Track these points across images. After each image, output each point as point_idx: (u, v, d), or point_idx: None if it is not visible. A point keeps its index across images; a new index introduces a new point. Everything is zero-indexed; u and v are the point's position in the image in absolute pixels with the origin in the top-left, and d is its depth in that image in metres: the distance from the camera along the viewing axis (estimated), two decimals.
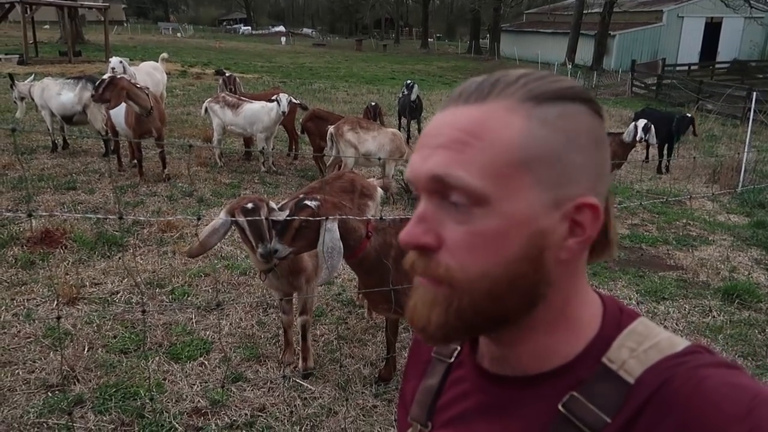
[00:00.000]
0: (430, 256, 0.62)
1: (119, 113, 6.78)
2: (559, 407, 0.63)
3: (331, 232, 2.73)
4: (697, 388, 0.57)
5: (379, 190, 3.88)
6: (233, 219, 2.91)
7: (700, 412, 0.55)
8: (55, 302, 3.97)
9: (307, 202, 2.81)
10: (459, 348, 0.78)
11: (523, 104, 0.60)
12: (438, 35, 62.43)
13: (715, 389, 0.56)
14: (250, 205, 2.91)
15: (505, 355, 0.68)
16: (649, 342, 0.63)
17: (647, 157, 10.28)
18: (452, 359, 0.78)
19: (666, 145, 9.58)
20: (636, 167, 9.57)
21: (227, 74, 10.33)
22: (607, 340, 0.65)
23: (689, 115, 9.37)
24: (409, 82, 10.81)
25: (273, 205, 3.04)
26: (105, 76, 6.37)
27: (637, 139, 7.35)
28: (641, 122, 7.45)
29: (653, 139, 7.61)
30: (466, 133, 0.60)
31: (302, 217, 2.74)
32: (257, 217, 2.86)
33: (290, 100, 7.25)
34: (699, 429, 0.55)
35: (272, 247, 2.77)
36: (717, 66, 27.99)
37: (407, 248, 0.64)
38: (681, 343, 0.63)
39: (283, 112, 7.18)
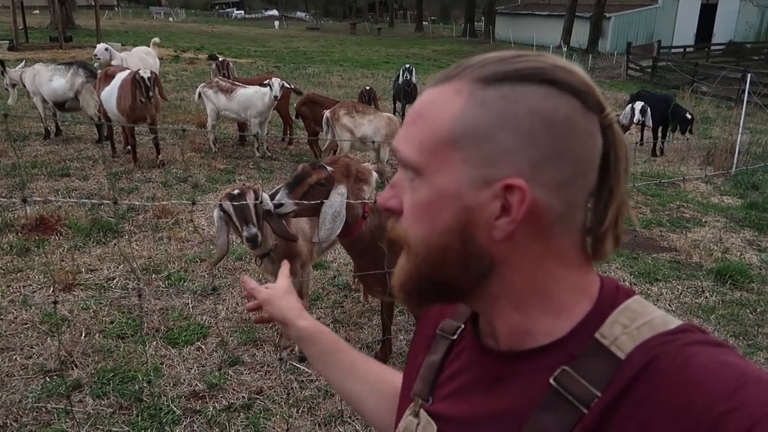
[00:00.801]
0: (399, 219, 0.68)
1: (111, 99, 6.74)
2: (551, 381, 0.64)
3: (342, 197, 2.75)
4: (685, 366, 0.58)
5: (375, 175, 3.88)
6: (221, 204, 2.92)
7: (687, 389, 0.56)
8: (51, 288, 3.98)
9: (325, 165, 2.81)
10: (462, 326, 0.80)
11: (470, 85, 0.62)
12: (432, 18, 62.04)
13: (702, 367, 0.57)
14: (236, 191, 2.92)
15: (492, 331, 0.71)
16: (642, 319, 0.64)
17: (642, 139, 10.30)
18: (455, 336, 0.80)
19: (660, 128, 9.60)
20: (630, 150, 9.57)
21: (220, 59, 10.22)
22: (601, 316, 0.66)
23: (689, 116, 9.34)
24: (407, 65, 10.73)
25: (265, 196, 3.01)
26: (143, 73, 6.39)
27: (635, 121, 7.31)
28: (638, 104, 7.43)
29: (650, 121, 7.58)
30: (416, 112, 0.66)
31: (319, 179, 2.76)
32: (243, 202, 2.85)
33: (283, 85, 7.21)
34: (686, 406, 0.56)
35: (278, 200, 2.71)
36: (712, 48, 27.91)
37: (380, 209, 0.71)
38: (674, 322, 0.64)
39: (276, 97, 7.13)
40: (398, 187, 0.68)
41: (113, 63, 8.66)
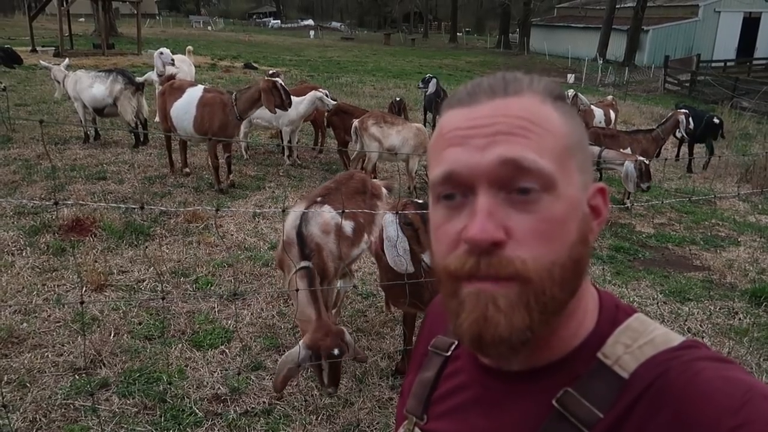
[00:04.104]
0: (495, 253, 0.59)
1: (186, 117, 6.27)
2: (553, 403, 0.64)
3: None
4: (691, 381, 0.58)
5: (384, 190, 3.91)
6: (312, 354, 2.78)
7: (694, 404, 0.56)
8: (80, 289, 4.09)
9: (420, 201, 3.10)
10: (456, 342, 0.79)
11: (546, 98, 0.64)
12: (467, 29, 61.87)
13: (709, 382, 0.57)
14: (336, 351, 2.77)
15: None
16: (644, 338, 0.65)
17: (678, 154, 10.09)
18: (449, 352, 0.79)
19: (703, 144, 9.46)
20: (665, 165, 9.38)
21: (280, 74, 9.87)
22: (602, 336, 0.67)
23: (717, 120, 9.17)
24: (429, 75, 10.82)
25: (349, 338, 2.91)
26: (279, 80, 6.16)
27: (691, 128, 7.33)
28: (685, 112, 7.45)
29: (692, 124, 7.59)
30: (524, 119, 0.61)
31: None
32: (337, 359, 2.77)
33: (332, 98, 7.51)
34: (692, 421, 0.56)
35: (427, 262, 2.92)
36: (754, 62, 27.22)
37: (480, 247, 0.59)
38: (676, 339, 0.64)
39: (329, 109, 7.45)
40: (496, 213, 0.59)
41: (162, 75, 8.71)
